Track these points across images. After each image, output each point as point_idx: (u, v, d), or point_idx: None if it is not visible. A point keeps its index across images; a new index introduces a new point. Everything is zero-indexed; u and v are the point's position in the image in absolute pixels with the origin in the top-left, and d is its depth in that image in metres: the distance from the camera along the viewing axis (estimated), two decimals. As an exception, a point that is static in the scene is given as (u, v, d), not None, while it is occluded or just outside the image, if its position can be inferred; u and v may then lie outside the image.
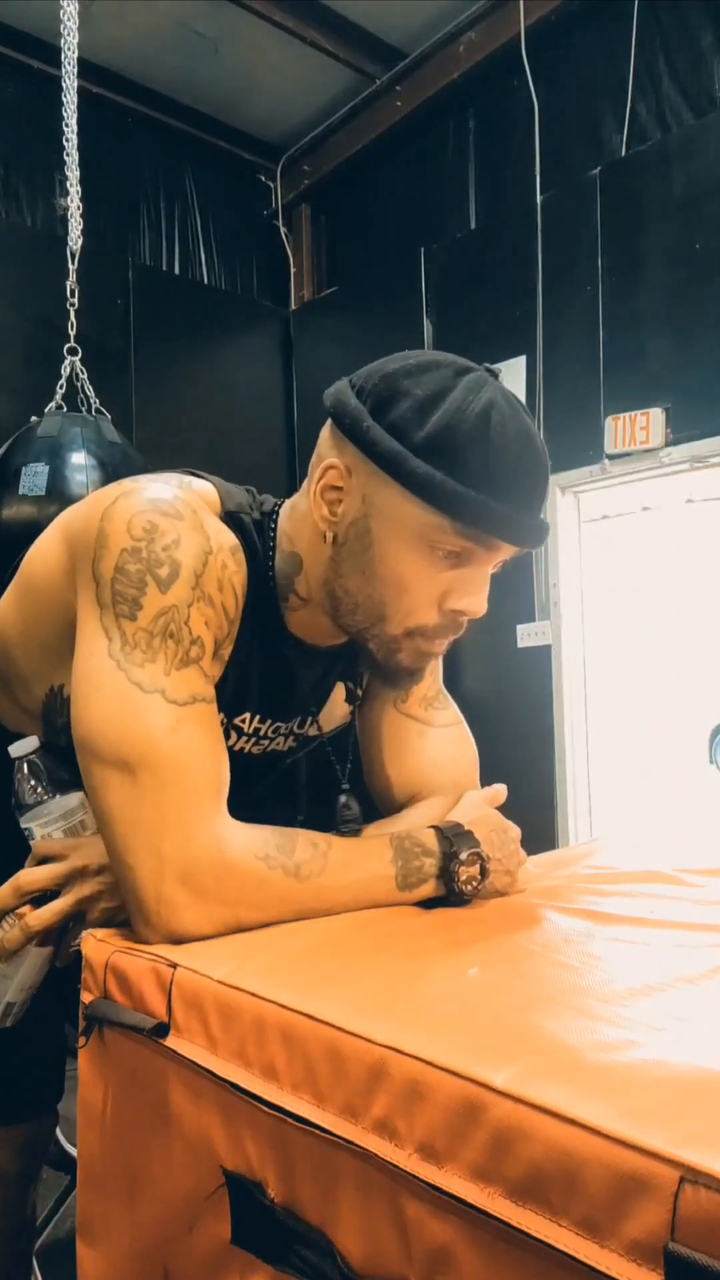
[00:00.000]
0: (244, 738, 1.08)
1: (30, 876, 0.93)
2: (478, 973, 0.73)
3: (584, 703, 3.31)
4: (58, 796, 0.97)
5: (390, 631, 0.95)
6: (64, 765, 0.99)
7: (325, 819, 1.06)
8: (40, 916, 0.91)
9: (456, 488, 0.86)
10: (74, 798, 0.98)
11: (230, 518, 0.98)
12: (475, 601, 0.94)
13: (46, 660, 1.03)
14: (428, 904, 0.93)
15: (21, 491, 2.60)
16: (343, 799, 1.07)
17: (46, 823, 0.97)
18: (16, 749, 0.99)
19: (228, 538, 0.96)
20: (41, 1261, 1.45)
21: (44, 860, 0.95)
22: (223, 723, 1.01)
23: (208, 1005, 0.71)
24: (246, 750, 1.09)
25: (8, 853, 0.98)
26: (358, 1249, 0.60)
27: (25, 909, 0.92)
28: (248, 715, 1.06)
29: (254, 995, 0.69)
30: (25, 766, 0.98)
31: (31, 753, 0.99)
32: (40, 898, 0.92)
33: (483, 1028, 0.61)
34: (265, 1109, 0.65)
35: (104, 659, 0.87)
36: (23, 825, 0.97)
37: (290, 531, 1.00)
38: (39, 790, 0.97)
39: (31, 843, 0.97)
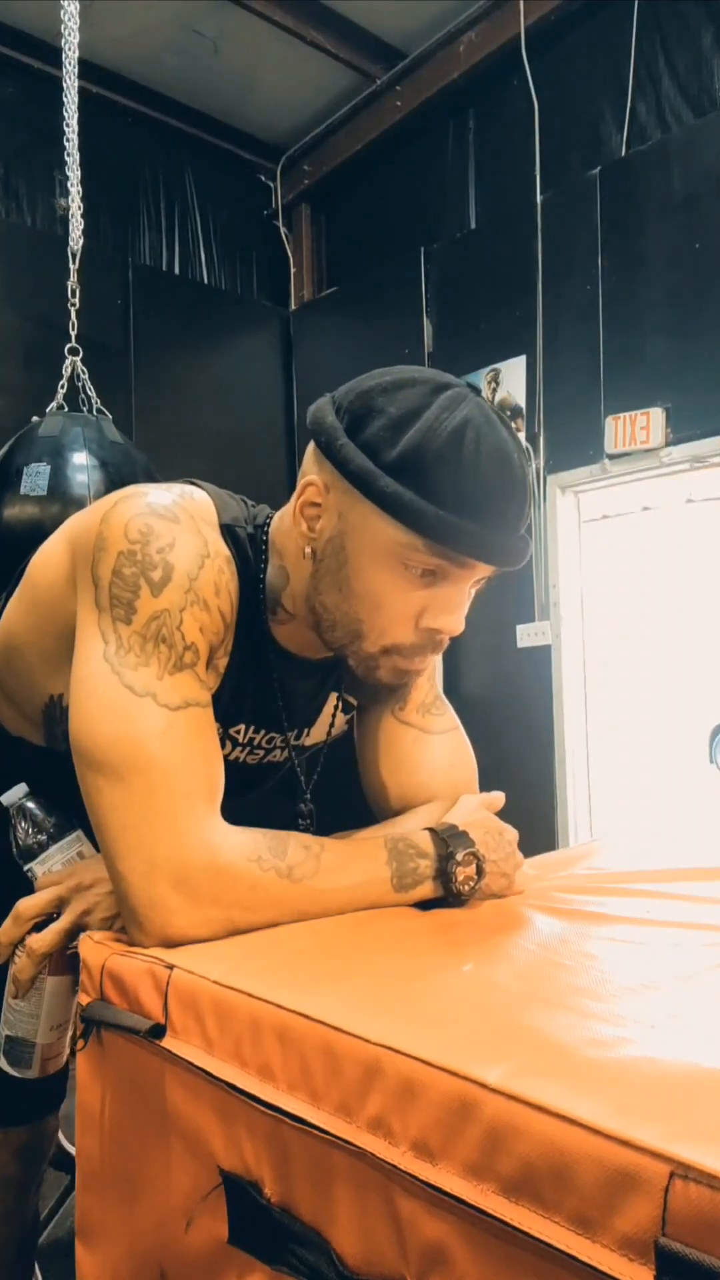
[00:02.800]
0: (239, 748, 1.08)
1: (28, 902, 0.93)
2: (472, 969, 0.74)
3: (584, 703, 3.32)
4: (55, 838, 0.98)
5: (367, 649, 0.95)
6: (55, 806, 1.00)
7: (324, 822, 1.07)
8: (42, 939, 0.91)
9: (426, 507, 0.85)
10: (71, 836, 0.99)
11: (225, 531, 0.98)
12: (452, 621, 0.93)
13: (48, 668, 1.04)
14: (424, 905, 0.94)
15: (23, 491, 2.60)
16: (301, 807, 1.09)
17: (45, 859, 0.98)
18: (7, 799, 1.00)
19: (223, 547, 0.97)
20: (41, 1261, 1.45)
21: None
22: (219, 732, 1.01)
23: (204, 1006, 0.72)
24: (242, 760, 1.09)
25: (8, 894, 0.98)
26: (353, 1247, 0.60)
27: (29, 936, 0.92)
28: (242, 726, 1.06)
29: (249, 995, 0.69)
30: (19, 814, 0.99)
31: (22, 798, 0.99)
32: (43, 925, 0.93)
33: (476, 1026, 0.61)
34: (261, 1108, 0.65)
35: (99, 663, 0.88)
36: (25, 870, 0.98)
37: (279, 545, 1.01)
38: (38, 835, 0.98)
39: (35, 883, 0.97)
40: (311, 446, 0.95)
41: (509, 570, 0.93)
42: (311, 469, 0.95)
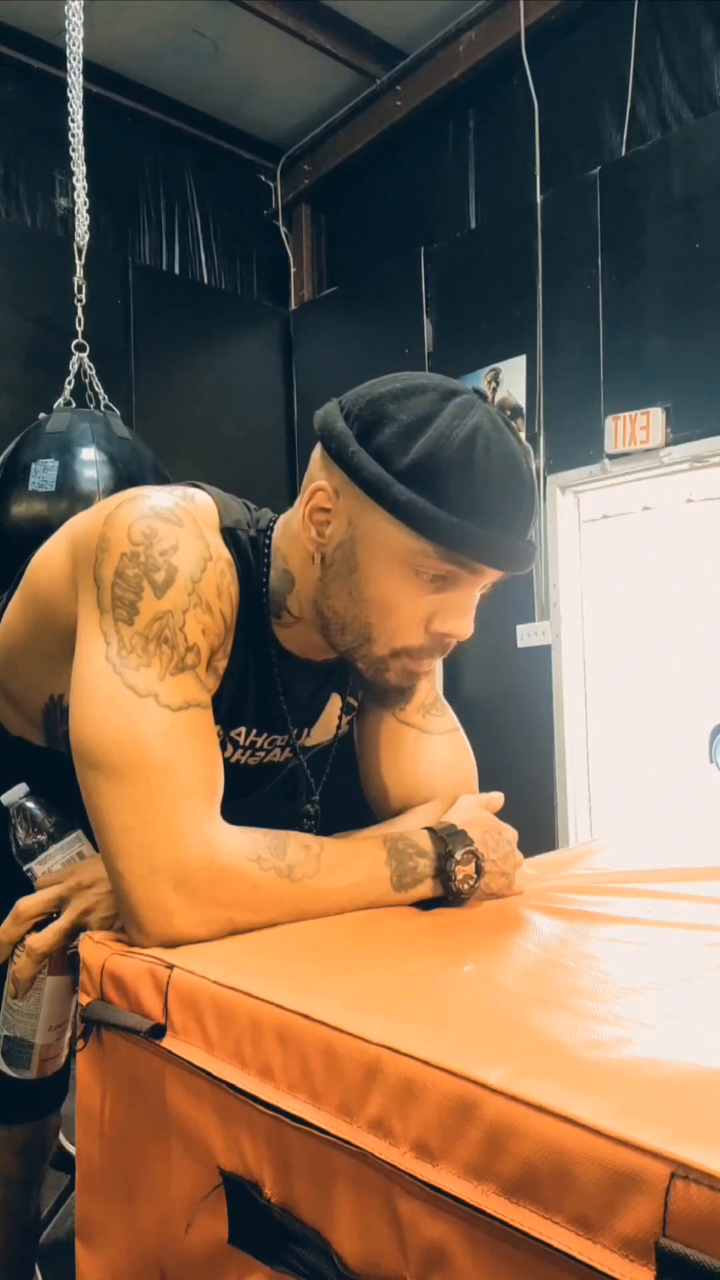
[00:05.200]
0: (240, 750, 1.08)
1: (28, 902, 0.93)
2: (473, 970, 0.74)
3: (584, 703, 3.32)
4: (56, 838, 0.98)
5: (377, 652, 0.95)
6: (55, 806, 1.00)
7: (329, 821, 1.06)
8: (42, 938, 0.91)
9: (439, 514, 0.86)
10: (71, 836, 0.99)
11: (227, 534, 0.98)
12: (461, 625, 0.94)
13: (48, 668, 1.04)
14: (424, 905, 0.94)
15: (32, 487, 2.59)
16: (308, 808, 1.09)
17: (45, 859, 0.97)
18: (6, 799, 1.00)
19: (225, 551, 0.97)
20: (41, 1261, 1.45)
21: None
22: (219, 735, 1.01)
23: (204, 1006, 0.72)
24: (243, 762, 1.10)
25: (8, 894, 0.98)
26: (354, 1248, 0.60)
27: (29, 935, 0.92)
28: (243, 729, 1.06)
29: (250, 995, 0.69)
30: (19, 814, 0.99)
31: (22, 798, 0.99)
32: (43, 924, 0.92)
33: (477, 1026, 0.61)
34: (261, 1109, 0.65)
35: (101, 663, 0.88)
36: (25, 869, 0.98)
37: (284, 549, 1.01)
38: (38, 835, 0.98)
39: (35, 883, 0.97)
40: (319, 452, 0.95)
41: (516, 575, 0.94)
42: (320, 474, 0.94)
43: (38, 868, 0.97)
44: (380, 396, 0.91)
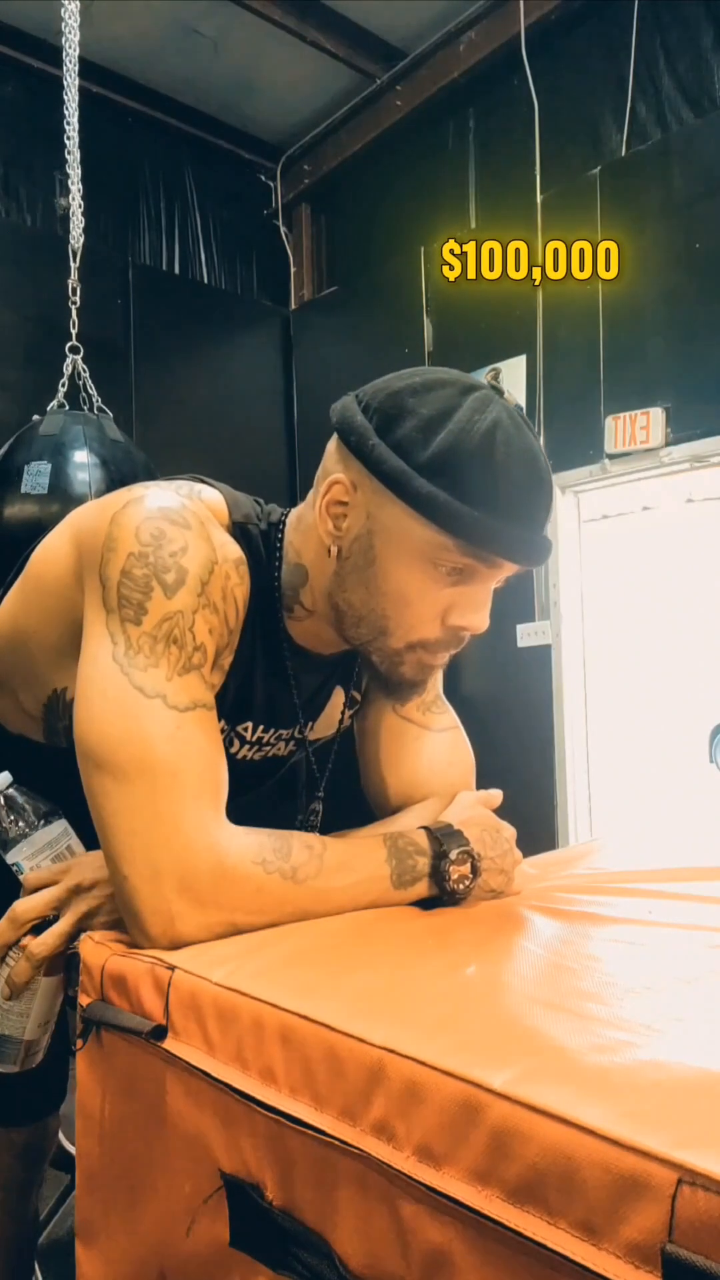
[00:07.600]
0: (246, 745, 1.08)
1: (26, 905, 0.92)
2: (475, 972, 0.73)
3: (584, 703, 3.31)
4: (40, 827, 0.97)
5: (392, 645, 0.95)
6: (41, 796, 0.99)
7: (327, 817, 1.06)
8: (43, 943, 0.90)
9: (460, 507, 0.86)
10: (57, 826, 0.98)
11: (238, 528, 0.98)
12: (478, 618, 0.94)
13: (50, 662, 1.03)
14: (425, 905, 0.93)
15: (24, 490, 2.60)
16: (312, 804, 1.08)
17: (33, 854, 0.96)
18: None
19: (233, 550, 0.97)
20: (41, 1261, 1.45)
21: (37, 890, 0.95)
22: (224, 730, 1.01)
23: (205, 1007, 0.71)
24: (248, 757, 1.09)
25: (6, 893, 0.97)
26: (356, 1251, 0.60)
27: (27, 939, 0.91)
28: (250, 724, 1.06)
29: (251, 997, 0.68)
30: (3, 801, 0.98)
31: (7, 787, 0.98)
32: (39, 926, 0.92)
33: (480, 1029, 0.61)
34: (263, 1111, 0.64)
35: (108, 663, 0.87)
36: (9, 861, 0.97)
37: (297, 543, 1.00)
38: (20, 824, 0.97)
39: (21, 877, 0.96)
40: (335, 444, 0.95)
41: (531, 569, 0.94)
42: (336, 467, 0.94)
43: (25, 862, 0.96)
44: (400, 390, 0.91)
